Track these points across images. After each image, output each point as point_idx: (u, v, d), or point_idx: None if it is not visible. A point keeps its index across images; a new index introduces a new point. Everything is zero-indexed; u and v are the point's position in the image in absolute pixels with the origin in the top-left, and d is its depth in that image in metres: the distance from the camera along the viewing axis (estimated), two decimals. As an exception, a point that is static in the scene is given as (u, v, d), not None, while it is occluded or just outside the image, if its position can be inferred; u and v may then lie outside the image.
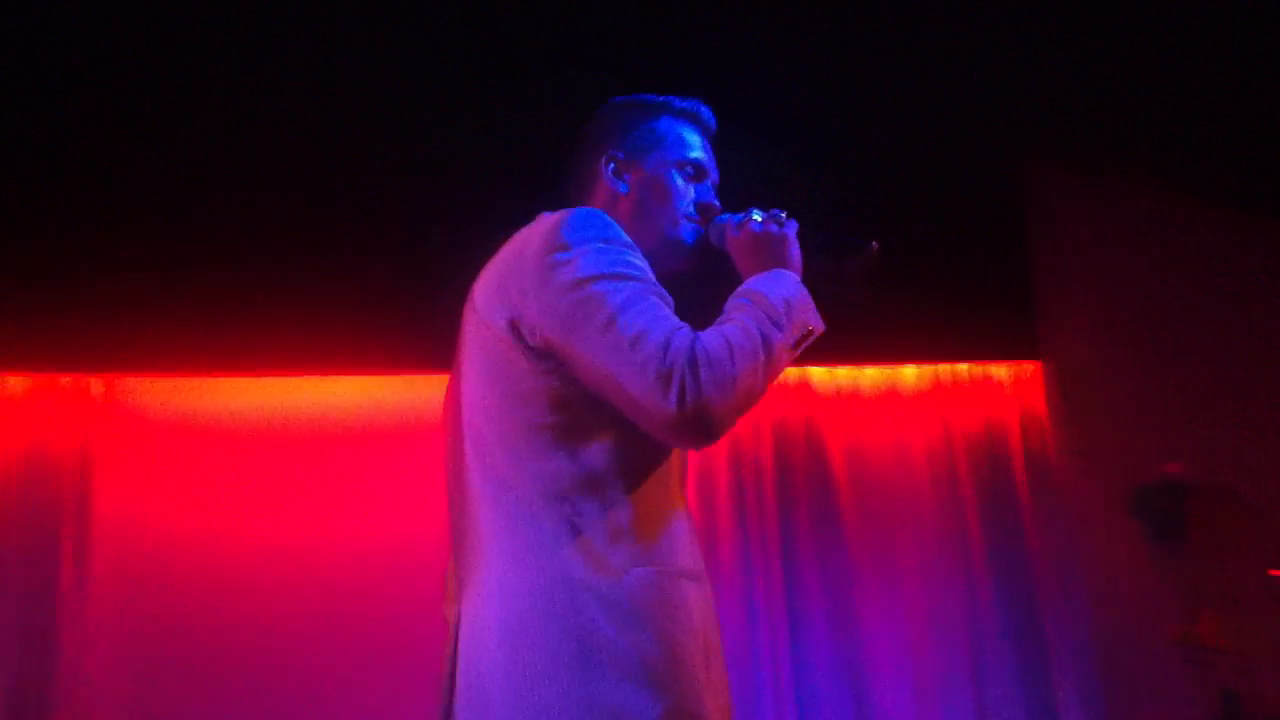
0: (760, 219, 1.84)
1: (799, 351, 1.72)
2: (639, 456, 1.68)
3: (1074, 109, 4.76)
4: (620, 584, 1.60)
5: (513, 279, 1.72)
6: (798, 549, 5.08)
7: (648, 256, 1.81)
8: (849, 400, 5.36)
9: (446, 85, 4.36)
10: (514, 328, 1.69)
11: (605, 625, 1.57)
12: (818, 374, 5.41)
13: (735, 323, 1.65)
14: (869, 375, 5.35)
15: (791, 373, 5.38)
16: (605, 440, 1.67)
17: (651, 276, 1.72)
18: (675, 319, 1.65)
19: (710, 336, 1.62)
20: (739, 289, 1.76)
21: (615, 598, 1.59)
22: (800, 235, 1.85)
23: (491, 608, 1.65)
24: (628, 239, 1.76)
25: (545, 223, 1.76)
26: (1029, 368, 5.41)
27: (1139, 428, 4.92)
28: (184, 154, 4.58)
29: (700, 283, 1.94)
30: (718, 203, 1.97)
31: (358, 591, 4.68)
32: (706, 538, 5.04)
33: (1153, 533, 4.48)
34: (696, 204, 1.95)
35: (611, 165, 1.95)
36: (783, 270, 1.78)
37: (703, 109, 2.01)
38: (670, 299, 1.72)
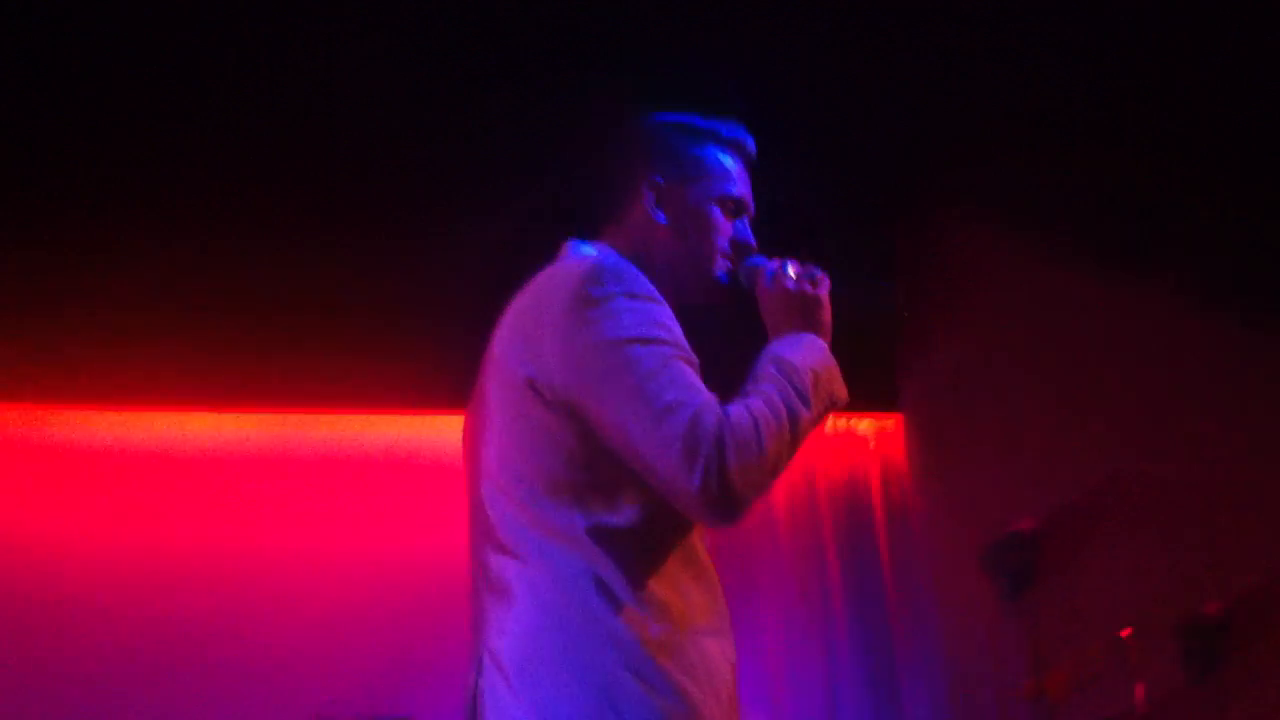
0: (794, 275, 1.81)
1: (821, 421, 1.70)
2: (660, 513, 1.65)
3: (946, 158, 4.85)
4: (641, 639, 1.57)
5: (534, 333, 1.68)
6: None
7: (676, 290, 1.79)
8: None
9: (421, 94, 4.26)
10: (534, 383, 1.66)
11: (625, 679, 1.55)
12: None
13: (762, 396, 1.61)
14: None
15: None
16: (627, 498, 1.64)
17: (680, 336, 1.67)
18: (704, 390, 1.60)
19: (738, 413, 1.57)
20: (767, 352, 1.71)
21: (635, 652, 1.56)
22: (832, 295, 1.82)
23: (511, 649, 1.64)
24: (654, 291, 1.69)
25: (569, 273, 1.71)
26: (891, 421, 5.50)
27: (998, 480, 5.03)
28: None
29: (718, 318, 1.91)
30: (754, 241, 1.91)
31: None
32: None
33: (1004, 587, 4.57)
34: (733, 241, 1.89)
35: (653, 194, 1.87)
36: (814, 337, 1.75)
37: (748, 139, 1.95)
38: (696, 361, 1.66)
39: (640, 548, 1.64)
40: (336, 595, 4.84)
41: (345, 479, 5.14)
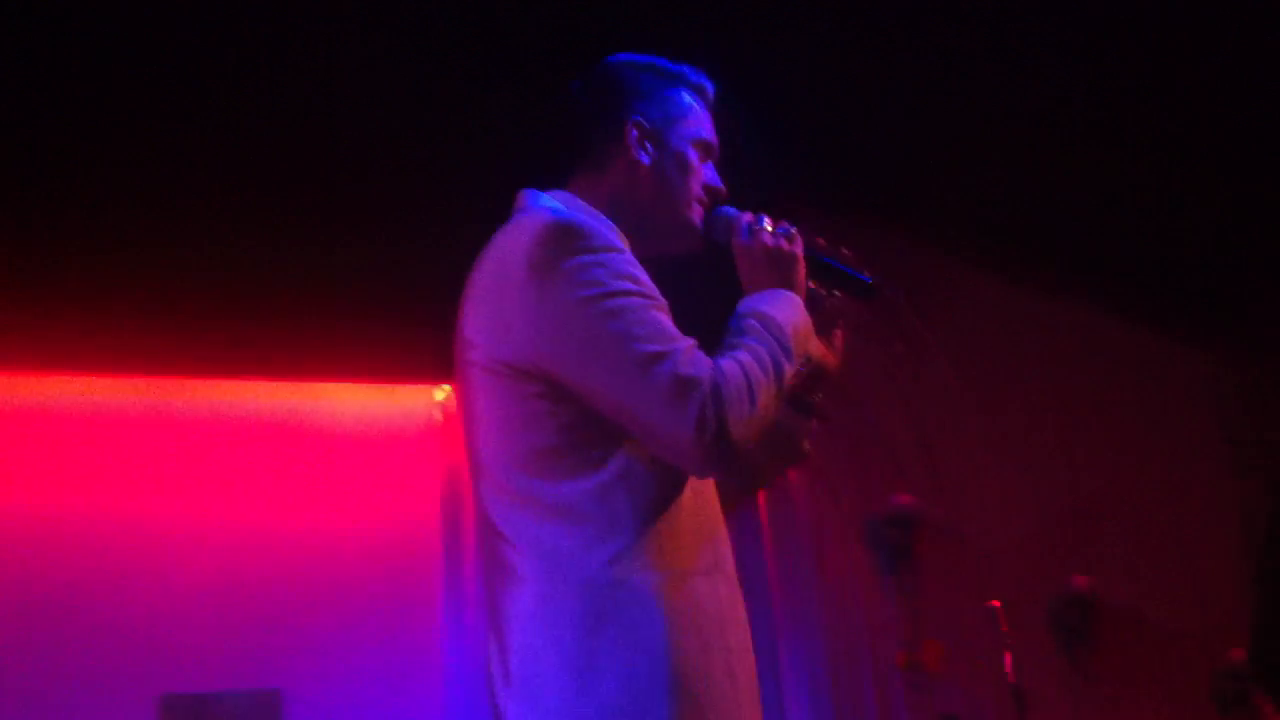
0: (771, 230, 1.77)
1: (796, 379, 1.69)
2: (649, 466, 1.61)
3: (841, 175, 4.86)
4: (620, 590, 1.55)
5: (502, 312, 1.64)
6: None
7: (651, 235, 1.79)
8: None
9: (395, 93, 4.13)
10: (510, 365, 1.62)
11: (608, 646, 1.53)
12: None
13: (749, 350, 1.58)
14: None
15: None
16: (613, 458, 1.60)
17: (648, 283, 1.63)
18: (685, 338, 1.57)
19: (729, 364, 1.55)
20: (745, 306, 1.68)
21: (613, 607, 1.54)
22: (811, 260, 1.78)
23: (512, 634, 1.62)
24: (614, 241, 1.65)
25: (525, 238, 1.65)
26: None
27: (877, 458, 5.08)
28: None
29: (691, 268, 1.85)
30: (723, 186, 1.88)
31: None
32: (454, 560, 5.03)
33: (882, 562, 4.63)
34: (706, 186, 1.85)
35: (636, 132, 1.81)
36: (790, 294, 1.71)
37: (710, 82, 1.91)
38: (666, 305, 1.62)
39: (628, 503, 1.59)
40: (204, 564, 4.69)
41: (217, 446, 4.99)
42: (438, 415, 5.33)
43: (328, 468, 5.03)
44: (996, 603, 3.79)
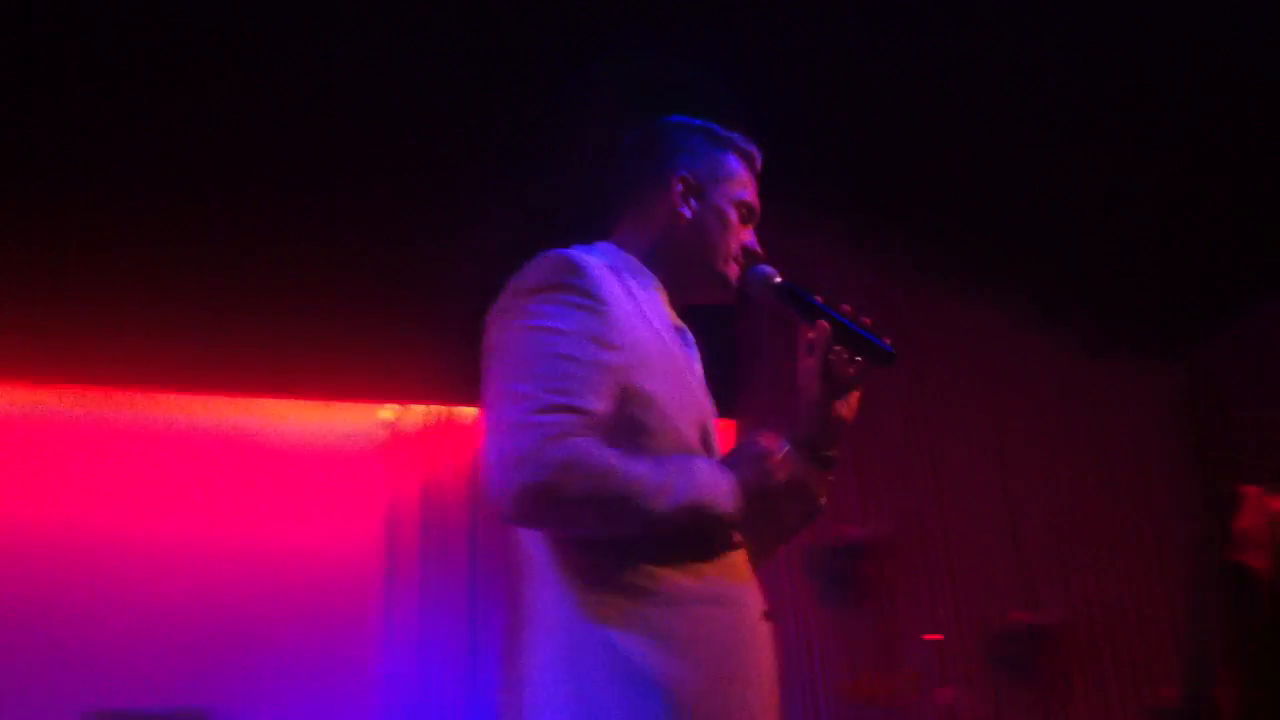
0: (779, 279, 1.90)
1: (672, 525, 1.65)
2: None
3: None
4: (614, 624, 1.60)
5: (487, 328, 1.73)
6: (490, 588, 5.05)
7: (684, 284, 1.87)
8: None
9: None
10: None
11: (600, 675, 1.59)
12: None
13: (646, 465, 1.60)
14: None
15: None
16: None
17: (602, 338, 1.64)
18: (591, 400, 1.60)
19: (596, 459, 1.57)
20: (697, 475, 1.67)
21: (608, 641, 1.59)
22: (836, 326, 1.84)
23: (522, 656, 1.72)
24: (602, 294, 1.68)
25: (530, 262, 1.74)
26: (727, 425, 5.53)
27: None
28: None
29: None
30: (760, 249, 1.95)
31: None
32: (395, 578, 4.97)
33: (826, 591, 4.61)
34: (745, 247, 1.92)
35: (682, 186, 1.90)
36: (734, 482, 1.69)
37: (758, 152, 1.99)
38: (608, 366, 1.63)
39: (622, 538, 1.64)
40: (137, 579, 4.62)
41: (157, 460, 4.92)
42: (382, 434, 5.28)
43: (270, 485, 4.97)
44: (938, 636, 3.79)
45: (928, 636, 3.74)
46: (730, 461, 1.71)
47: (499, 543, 5.14)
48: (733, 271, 1.90)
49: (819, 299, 1.86)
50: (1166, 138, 4.49)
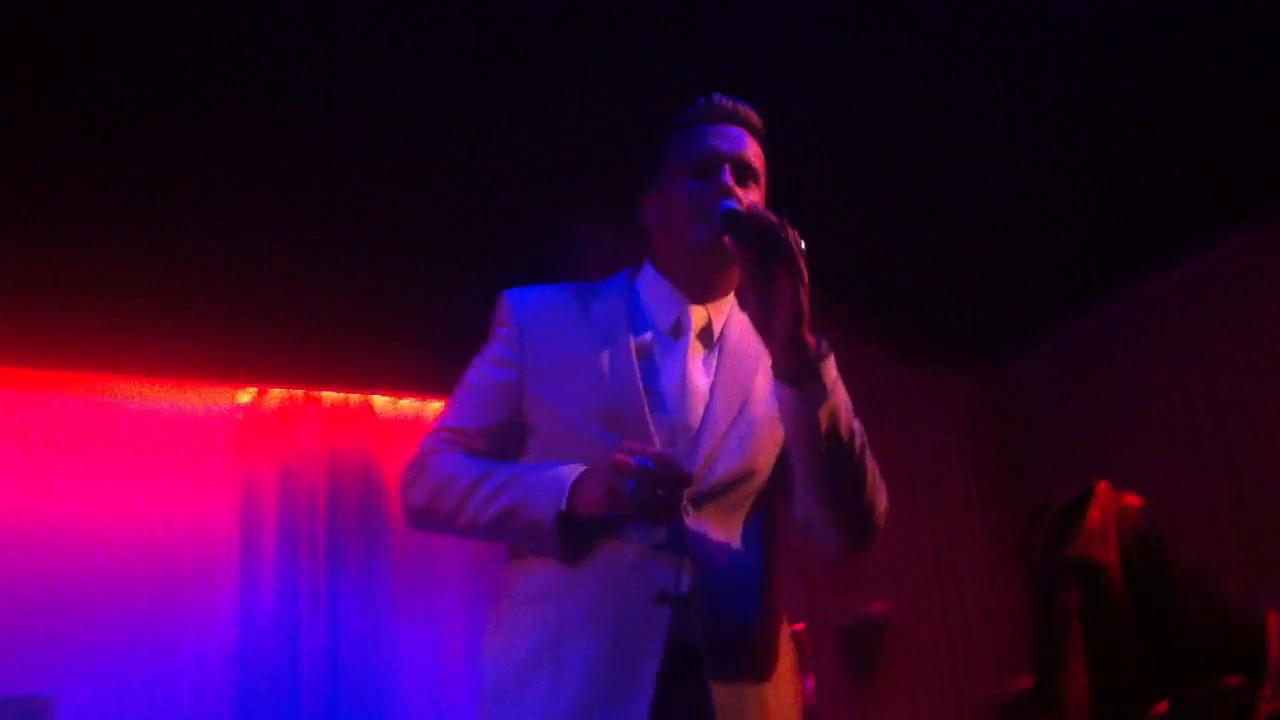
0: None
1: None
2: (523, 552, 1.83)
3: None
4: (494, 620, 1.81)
5: None
6: (344, 572, 5.00)
7: (694, 270, 1.86)
8: (411, 429, 5.27)
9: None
10: None
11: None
12: (380, 401, 5.35)
13: (484, 474, 1.76)
14: (434, 407, 5.28)
15: (354, 397, 5.35)
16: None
17: (494, 361, 1.87)
18: (466, 418, 1.86)
19: (443, 459, 1.82)
20: (527, 480, 1.75)
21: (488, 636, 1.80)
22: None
23: None
24: (510, 319, 1.88)
25: None
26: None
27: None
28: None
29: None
30: (729, 182, 1.82)
31: None
32: (250, 560, 4.92)
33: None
34: (707, 193, 1.82)
35: (641, 206, 1.93)
36: (565, 490, 1.68)
37: (703, 102, 1.90)
38: (497, 382, 1.85)
39: (511, 589, 1.80)
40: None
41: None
42: (240, 417, 5.15)
43: (122, 466, 4.81)
44: (800, 625, 3.88)
45: (793, 626, 3.84)
46: (590, 468, 1.70)
47: (354, 527, 5.10)
48: (701, 232, 1.82)
49: (744, 213, 1.70)
50: (976, 148, 4.63)
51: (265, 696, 4.70)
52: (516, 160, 4.34)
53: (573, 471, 1.69)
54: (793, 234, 1.64)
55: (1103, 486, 3.32)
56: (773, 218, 1.66)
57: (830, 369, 1.69)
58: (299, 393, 5.29)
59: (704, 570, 1.70)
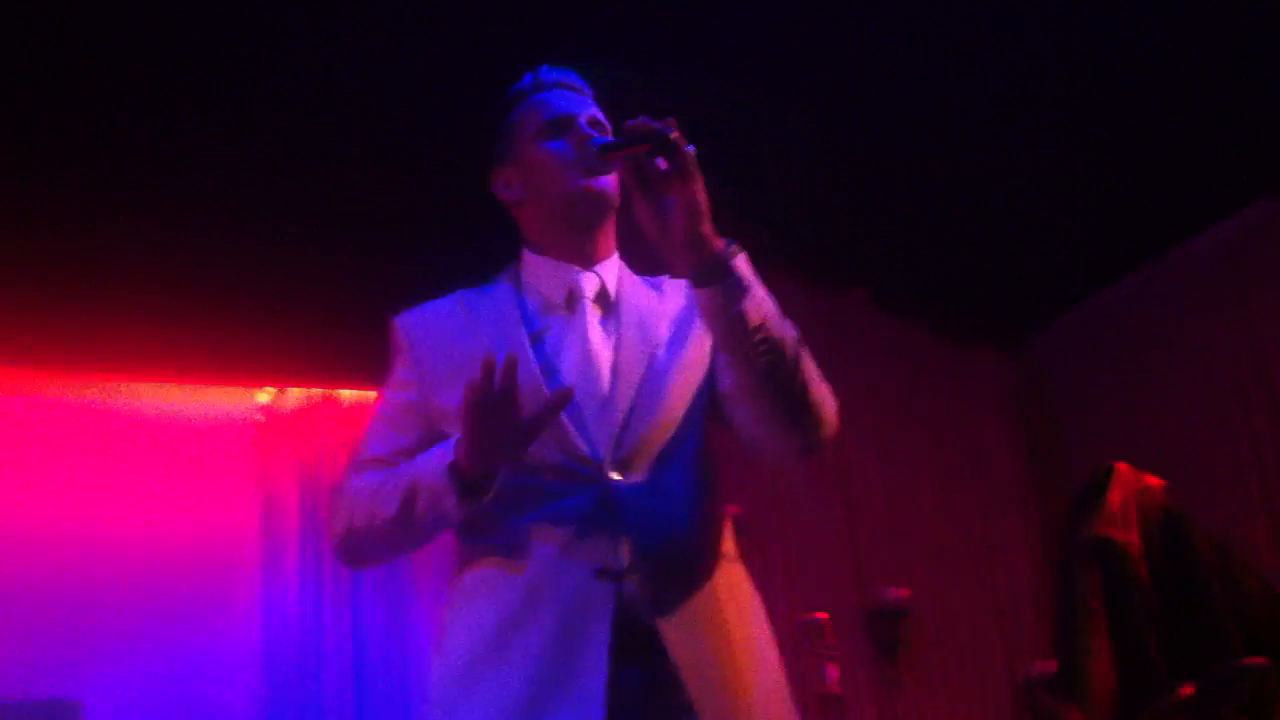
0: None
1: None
2: (468, 545, 1.80)
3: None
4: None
5: None
6: (365, 575, 5.00)
7: (575, 228, 1.83)
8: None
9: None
10: None
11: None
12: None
13: (382, 478, 1.75)
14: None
15: (372, 394, 5.28)
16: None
17: (395, 385, 1.87)
18: (376, 447, 1.83)
19: (353, 483, 1.80)
20: (420, 456, 1.74)
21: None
22: (608, 147, 1.75)
23: None
24: (399, 340, 1.87)
25: None
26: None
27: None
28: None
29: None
30: (589, 130, 1.82)
31: None
32: (272, 560, 4.94)
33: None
34: (574, 147, 1.81)
35: (499, 181, 1.89)
36: (449, 450, 1.66)
37: (541, 71, 1.91)
38: (400, 404, 1.85)
39: (452, 589, 1.78)
40: (2, 565, 4.41)
41: (22, 441, 4.74)
42: (259, 417, 5.17)
43: (143, 468, 4.83)
44: (823, 614, 3.86)
45: (814, 615, 3.82)
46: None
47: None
48: (584, 178, 1.80)
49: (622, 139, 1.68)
50: (1005, 131, 4.65)
51: (289, 698, 4.73)
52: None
53: (456, 436, 1.66)
54: (675, 130, 1.61)
55: (1123, 467, 3.28)
56: (651, 121, 1.62)
57: (743, 265, 1.65)
58: (317, 391, 5.30)
59: (642, 536, 1.65)
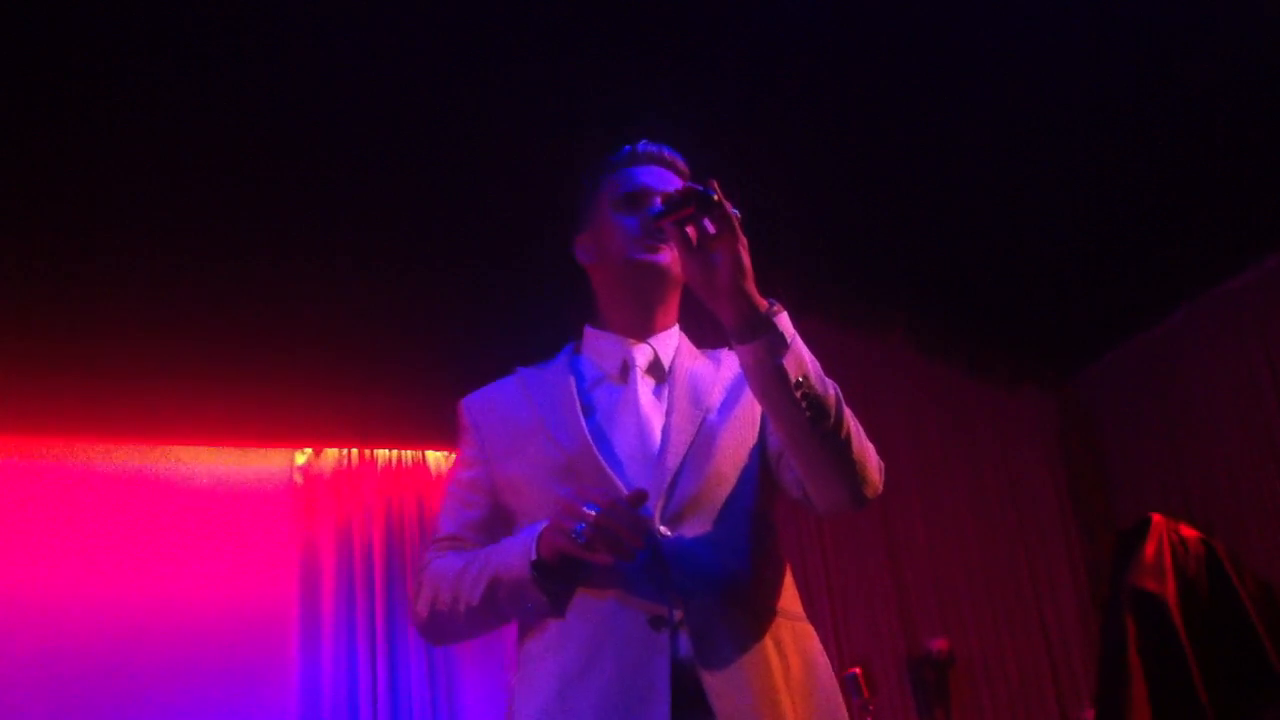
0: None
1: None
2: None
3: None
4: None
5: None
6: (404, 631, 5.01)
7: (637, 298, 1.92)
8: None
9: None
10: None
11: None
12: (434, 457, 5.39)
13: (464, 564, 1.82)
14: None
15: (408, 454, 5.40)
16: None
17: (463, 463, 1.96)
18: (449, 525, 1.92)
19: (435, 565, 1.87)
20: (501, 547, 1.81)
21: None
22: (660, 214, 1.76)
23: None
24: (464, 420, 1.97)
25: None
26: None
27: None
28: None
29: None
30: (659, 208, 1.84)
31: None
32: (310, 621, 4.95)
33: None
34: (641, 224, 1.90)
35: (576, 247, 1.99)
36: (531, 542, 1.74)
37: (627, 148, 1.99)
38: (468, 481, 1.93)
39: (518, 659, 1.81)
40: (44, 632, 4.50)
41: (62, 508, 4.80)
42: (298, 478, 5.21)
43: (183, 532, 4.88)
44: (857, 669, 3.83)
45: (849, 670, 3.79)
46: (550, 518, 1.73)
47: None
48: (642, 252, 1.89)
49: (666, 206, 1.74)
50: (1045, 172, 4.64)
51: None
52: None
53: (538, 525, 1.73)
54: (718, 192, 1.68)
55: (1158, 519, 3.25)
56: (697, 186, 1.70)
57: (785, 322, 1.69)
58: (354, 452, 5.35)
59: (691, 587, 1.70)
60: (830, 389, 1.70)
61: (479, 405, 1.98)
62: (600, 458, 1.77)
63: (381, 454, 5.36)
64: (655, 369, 1.91)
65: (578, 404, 1.85)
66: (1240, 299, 5.27)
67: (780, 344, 1.66)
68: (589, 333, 1.98)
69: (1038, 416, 6.17)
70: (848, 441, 1.71)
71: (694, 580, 1.70)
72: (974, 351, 5.97)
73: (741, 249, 1.67)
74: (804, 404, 1.66)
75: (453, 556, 1.86)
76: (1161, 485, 5.54)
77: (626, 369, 1.89)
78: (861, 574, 5.22)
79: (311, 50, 3.70)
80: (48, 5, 3.39)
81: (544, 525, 1.71)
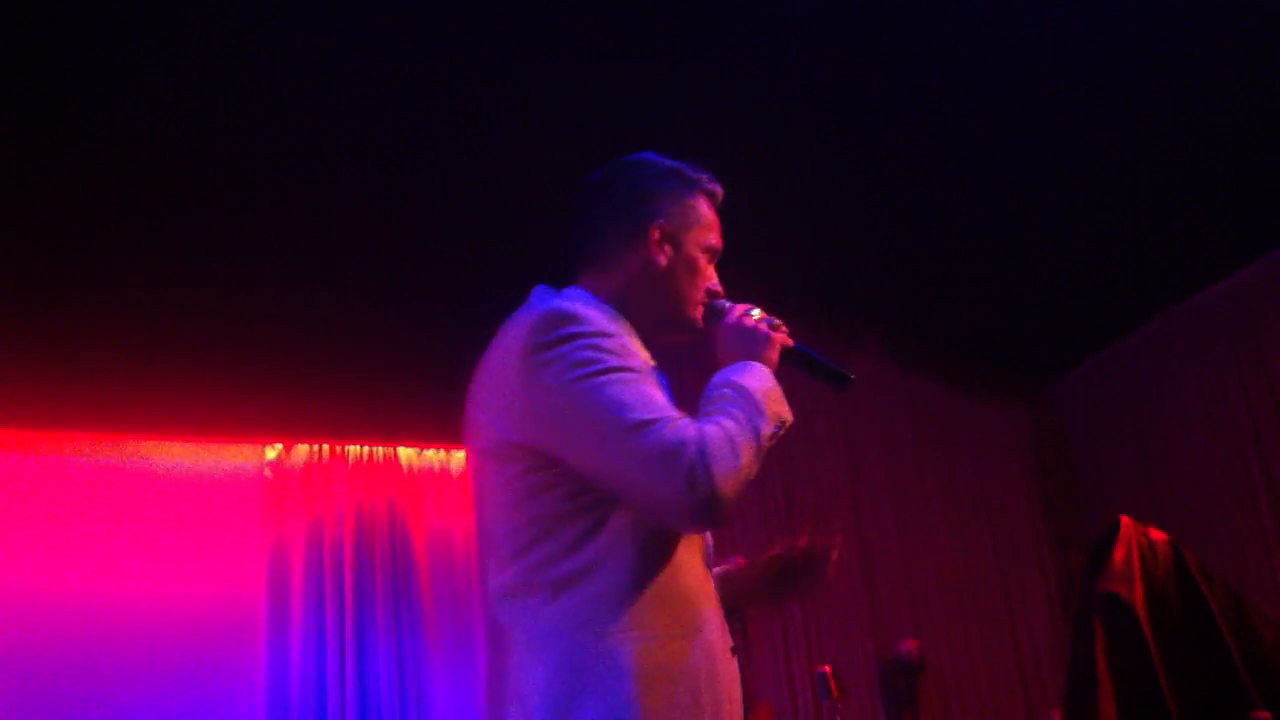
0: (757, 316, 1.88)
1: (774, 440, 1.76)
2: (636, 542, 1.69)
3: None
4: (610, 664, 1.64)
5: (504, 395, 1.73)
6: (373, 629, 4.99)
7: (653, 325, 1.88)
8: (438, 481, 5.28)
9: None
10: (509, 435, 1.72)
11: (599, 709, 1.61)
12: (406, 454, 5.36)
13: (728, 414, 1.69)
14: (459, 457, 5.29)
15: (379, 451, 5.36)
16: (603, 530, 1.69)
17: (641, 360, 1.75)
18: (671, 407, 1.67)
19: (711, 427, 1.65)
20: (719, 378, 1.77)
21: (613, 683, 1.63)
22: (791, 349, 1.88)
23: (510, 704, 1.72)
24: (607, 326, 1.74)
25: (521, 327, 1.75)
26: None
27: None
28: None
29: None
30: (720, 286, 1.97)
31: None
32: (279, 617, 4.92)
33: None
34: (708, 288, 1.94)
35: (658, 235, 1.90)
36: (757, 364, 1.81)
37: (720, 189, 2.00)
38: (663, 382, 1.76)
39: (615, 574, 1.68)
40: (3, 628, 4.42)
41: (26, 502, 4.76)
42: (268, 474, 5.18)
43: (151, 527, 4.85)
44: (827, 667, 3.83)
45: (819, 668, 3.80)
46: (740, 349, 1.82)
47: (382, 581, 5.09)
48: (698, 315, 1.92)
49: (813, 351, 1.90)
50: (1019, 188, 4.68)
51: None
52: (546, 212, 4.38)
53: (738, 365, 1.80)
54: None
55: (1126, 521, 3.24)
56: (835, 364, 1.90)
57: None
58: (325, 447, 5.33)
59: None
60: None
61: (602, 321, 1.76)
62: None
63: (353, 450, 5.34)
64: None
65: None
66: (1211, 312, 5.31)
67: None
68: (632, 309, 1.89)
69: (1011, 428, 6.20)
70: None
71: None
72: (948, 364, 6.01)
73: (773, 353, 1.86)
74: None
75: (701, 422, 1.67)
76: (1133, 496, 5.57)
77: (658, 370, 1.90)
78: (833, 578, 5.21)
79: (291, 53, 3.72)
80: (47, 9, 3.39)
81: (740, 363, 1.79)
